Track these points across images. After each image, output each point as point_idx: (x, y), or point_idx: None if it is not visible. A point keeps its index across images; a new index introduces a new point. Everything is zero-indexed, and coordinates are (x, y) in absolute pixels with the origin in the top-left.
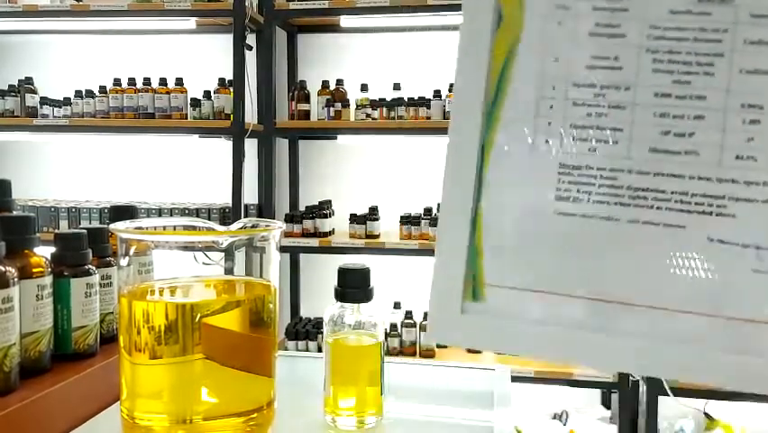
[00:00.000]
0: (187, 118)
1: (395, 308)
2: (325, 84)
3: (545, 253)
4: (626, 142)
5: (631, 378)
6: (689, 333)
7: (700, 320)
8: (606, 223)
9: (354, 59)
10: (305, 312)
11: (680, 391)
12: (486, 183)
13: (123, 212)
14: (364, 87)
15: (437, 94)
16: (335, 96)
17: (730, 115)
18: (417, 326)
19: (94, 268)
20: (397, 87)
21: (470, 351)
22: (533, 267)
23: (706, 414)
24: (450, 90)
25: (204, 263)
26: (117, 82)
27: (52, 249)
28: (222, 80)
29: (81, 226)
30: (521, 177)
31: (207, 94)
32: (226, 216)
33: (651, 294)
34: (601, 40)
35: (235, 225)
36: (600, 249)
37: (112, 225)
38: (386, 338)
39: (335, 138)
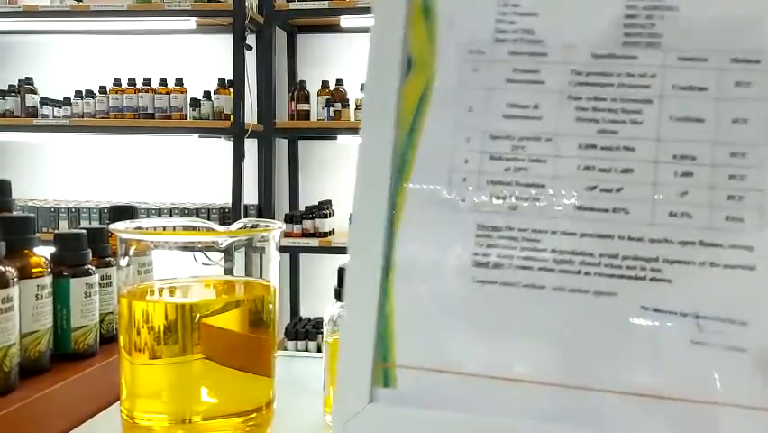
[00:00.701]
0: (186, 118)
1: None
2: (325, 84)
3: (463, 328)
4: (549, 199)
5: None
6: (628, 415)
7: (638, 402)
8: (530, 291)
9: (354, 59)
10: (304, 312)
11: None
12: (397, 247)
13: (123, 212)
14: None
15: None
16: (335, 96)
17: (661, 168)
18: None
19: (93, 268)
20: None
21: None
22: (450, 344)
23: None
24: None
25: (203, 264)
26: (117, 82)
27: (52, 249)
28: (222, 80)
29: (81, 226)
30: (435, 240)
31: (207, 94)
32: (226, 216)
33: (580, 373)
34: (519, 87)
35: (235, 226)
36: (525, 321)
37: (112, 226)
38: None
39: (335, 138)
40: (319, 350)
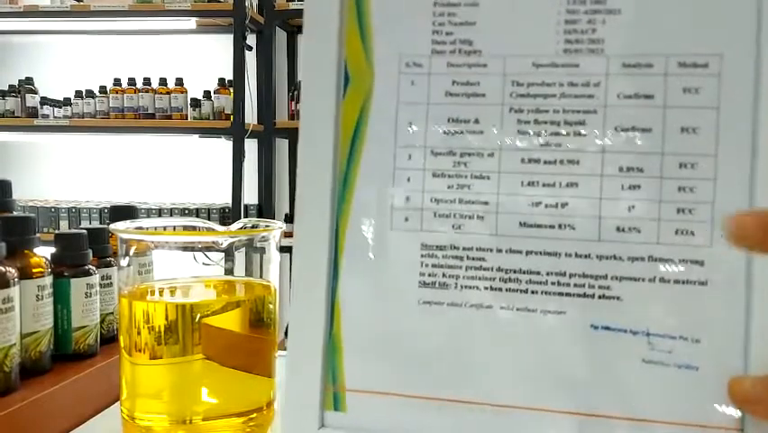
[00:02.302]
0: (187, 118)
1: None
2: None
3: (412, 350)
4: (493, 216)
5: None
6: None
7: (590, 422)
8: (477, 312)
9: None
10: None
11: None
12: (342, 269)
13: (123, 212)
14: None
15: None
16: None
17: (607, 181)
18: None
19: (94, 268)
20: None
21: None
22: (398, 367)
23: None
24: None
25: (204, 264)
26: (117, 82)
27: (52, 249)
28: (222, 80)
29: (81, 226)
30: (380, 261)
31: (207, 94)
32: (226, 216)
33: (530, 395)
34: (459, 100)
35: (235, 226)
36: (473, 343)
37: (112, 226)
38: None
39: None
40: None
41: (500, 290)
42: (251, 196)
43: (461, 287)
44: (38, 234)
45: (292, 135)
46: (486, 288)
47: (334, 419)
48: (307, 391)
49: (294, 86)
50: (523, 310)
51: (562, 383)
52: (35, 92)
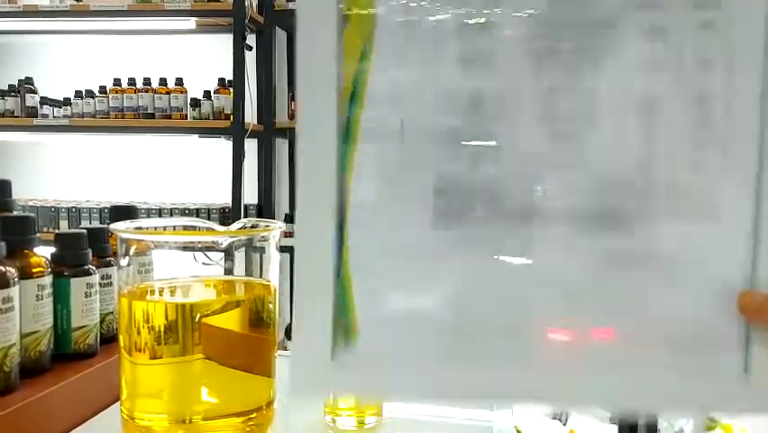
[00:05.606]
0: (186, 118)
1: None
2: None
3: (422, 275)
4: (510, 154)
5: None
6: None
7: (608, 348)
8: (492, 245)
9: None
10: None
11: None
12: (351, 207)
13: (123, 212)
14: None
15: None
16: None
17: (624, 117)
18: None
19: (94, 268)
20: None
21: None
22: (411, 293)
23: None
24: None
25: (204, 263)
26: (117, 82)
27: (52, 249)
28: (222, 80)
29: (81, 226)
30: (392, 186)
31: (207, 94)
32: (226, 216)
33: (537, 309)
34: (470, 37)
35: (235, 226)
36: (488, 273)
37: (112, 226)
38: None
39: None
40: None
41: (515, 226)
42: (250, 196)
43: (476, 220)
44: (38, 234)
45: (292, 135)
46: (500, 225)
47: (347, 350)
48: (318, 325)
49: (294, 86)
50: (539, 244)
51: (582, 313)
52: (35, 92)
